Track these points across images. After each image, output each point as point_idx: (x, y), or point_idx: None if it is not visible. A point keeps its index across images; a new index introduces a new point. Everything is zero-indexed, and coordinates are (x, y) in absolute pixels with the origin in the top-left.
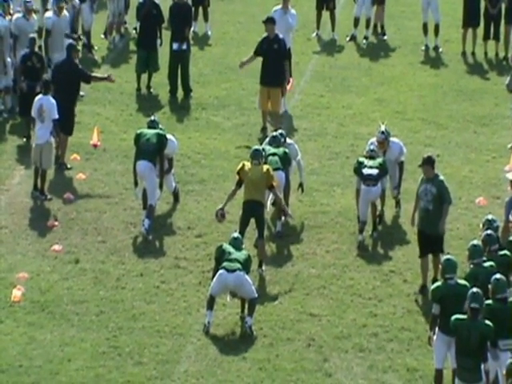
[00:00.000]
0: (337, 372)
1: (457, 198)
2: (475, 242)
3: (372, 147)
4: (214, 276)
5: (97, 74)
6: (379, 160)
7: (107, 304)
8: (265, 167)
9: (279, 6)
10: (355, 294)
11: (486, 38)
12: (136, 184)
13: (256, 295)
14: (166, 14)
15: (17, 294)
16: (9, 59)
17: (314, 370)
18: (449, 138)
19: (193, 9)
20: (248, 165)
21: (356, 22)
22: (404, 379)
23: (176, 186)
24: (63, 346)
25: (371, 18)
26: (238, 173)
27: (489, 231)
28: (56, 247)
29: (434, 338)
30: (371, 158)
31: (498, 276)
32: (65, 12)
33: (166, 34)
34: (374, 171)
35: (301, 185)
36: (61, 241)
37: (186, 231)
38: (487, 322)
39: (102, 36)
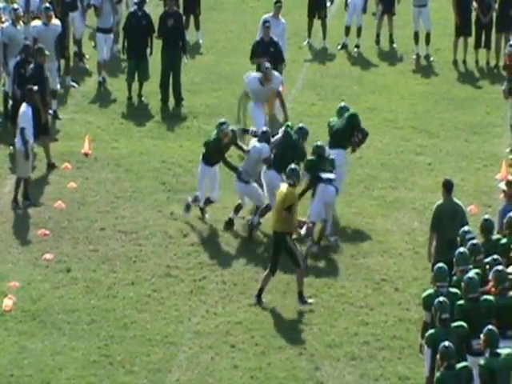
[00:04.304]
0: (328, 380)
1: None
2: (461, 249)
3: (319, 143)
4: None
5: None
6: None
7: (98, 313)
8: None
9: (270, 14)
10: (347, 302)
11: (478, 46)
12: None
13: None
14: (156, 22)
15: (8, 303)
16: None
17: (306, 379)
18: (440, 146)
19: (184, 18)
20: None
21: (347, 30)
22: None
23: None
24: (54, 355)
25: (362, 27)
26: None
27: (474, 241)
28: (47, 256)
29: (425, 346)
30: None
31: (470, 275)
32: (54, 21)
33: (158, 43)
34: (332, 175)
35: None
36: (52, 249)
37: (177, 240)
38: (460, 323)
39: (93, 44)
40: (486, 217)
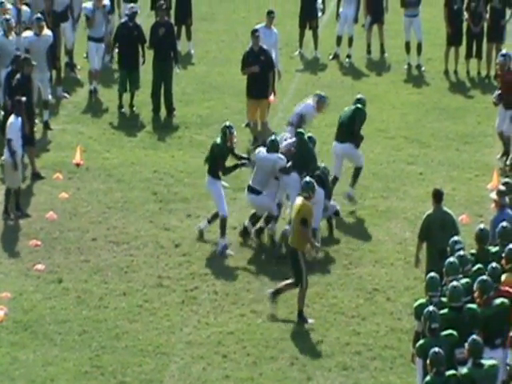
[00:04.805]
0: None
1: None
2: (451, 259)
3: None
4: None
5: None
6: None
7: (90, 323)
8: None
9: (262, 24)
10: (338, 312)
11: (469, 56)
12: None
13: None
14: (147, 32)
15: None
16: None
17: None
18: (431, 156)
19: (176, 28)
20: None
21: (338, 40)
22: None
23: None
24: (46, 366)
25: (353, 37)
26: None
27: (461, 252)
28: (39, 267)
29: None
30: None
31: (454, 283)
32: (45, 32)
33: (149, 53)
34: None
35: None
36: (44, 260)
37: (169, 250)
38: (449, 331)
39: (85, 55)
40: (482, 226)
